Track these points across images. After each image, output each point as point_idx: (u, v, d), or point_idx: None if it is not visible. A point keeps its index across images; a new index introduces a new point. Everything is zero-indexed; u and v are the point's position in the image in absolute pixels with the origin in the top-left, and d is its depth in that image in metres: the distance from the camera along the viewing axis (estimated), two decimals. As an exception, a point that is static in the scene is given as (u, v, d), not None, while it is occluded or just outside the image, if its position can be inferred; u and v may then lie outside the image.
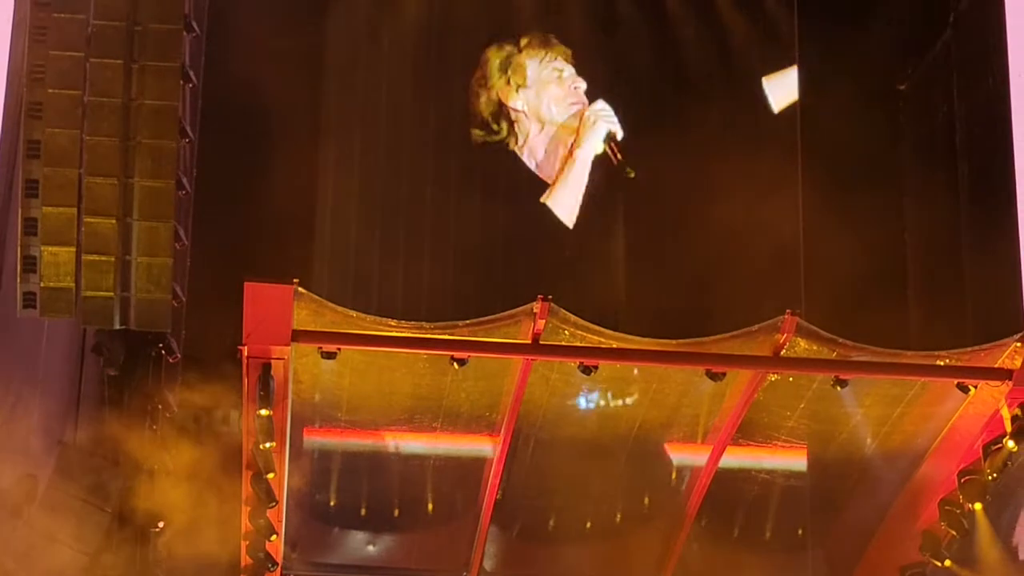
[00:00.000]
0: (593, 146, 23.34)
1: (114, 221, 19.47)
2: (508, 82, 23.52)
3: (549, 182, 23.48)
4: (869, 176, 23.09)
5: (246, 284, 16.49)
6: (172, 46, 19.85)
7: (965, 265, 22.87)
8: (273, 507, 17.77)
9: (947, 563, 18.81)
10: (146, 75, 19.71)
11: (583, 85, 23.54)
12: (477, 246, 22.92)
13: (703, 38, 23.87)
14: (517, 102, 23.54)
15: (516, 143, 23.54)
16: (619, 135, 23.27)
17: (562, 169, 23.42)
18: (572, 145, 23.40)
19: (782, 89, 23.79)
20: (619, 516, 19.73)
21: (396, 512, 19.78)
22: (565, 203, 23.36)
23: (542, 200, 23.28)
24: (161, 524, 19.65)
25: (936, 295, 23.10)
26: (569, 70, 23.58)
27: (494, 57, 23.61)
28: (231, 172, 21.88)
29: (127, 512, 19.54)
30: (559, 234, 23.28)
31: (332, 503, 19.72)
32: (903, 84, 24.36)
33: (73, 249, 19.41)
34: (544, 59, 23.58)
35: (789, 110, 23.76)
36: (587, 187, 23.37)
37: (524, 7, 23.76)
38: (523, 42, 23.67)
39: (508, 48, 23.61)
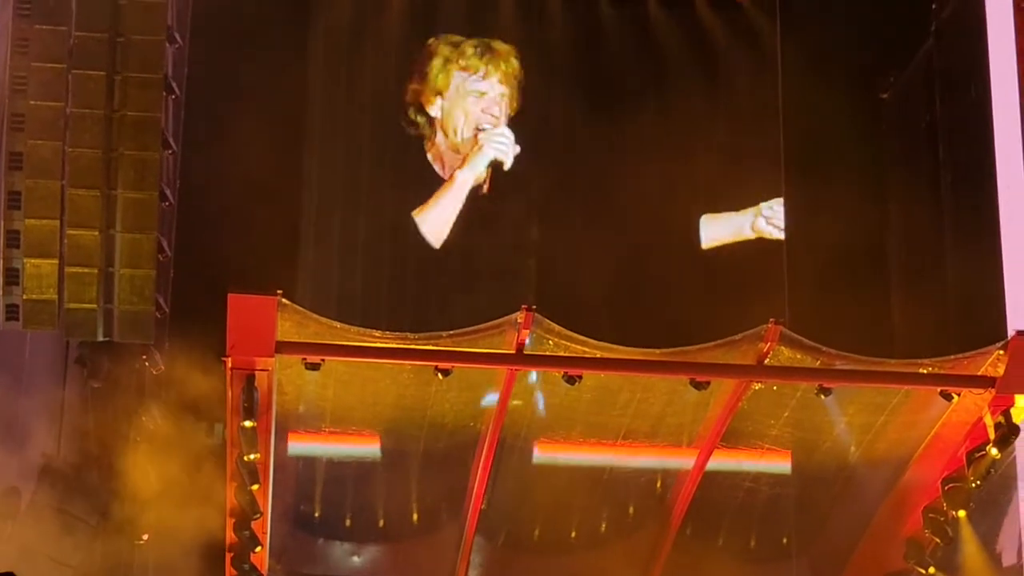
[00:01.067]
0: (475, 171, 23.13)
1: (97, 233, 19.47)
2: (433, 87, 23.40)
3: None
4: (852, 184, 23.11)
5: (230, 295, 16.46)
6: (154, 58, 19.86)
7: (948, 272, 22.91)
8: (258, 518, 17.74)
9: (931, 570, 18.82)
10: (129, 87, 19.72)
11: (498, 113, 23.25)
12: (461, 257, 22.93)
13: (686, 48, 23.91)
14: (433, 108, 23.42)
15: (430, 143, 23.43)
16: (507, 165, 23.08)
17: (441, 189, 23.19)
18: (457, 166, 23.27)
19: (715, 230, 23.72)
20: (604, 526, 19.72)
21: (381, 522, 19.75)
22: (434, 223, 23.05)
23: (413, 214, 23.03)
24: (145, 536, 19.60)
25: (919, 302, 23.12)
26: (495, 91, 23.39)
27: (438, 55, 23.47)
28: (215, 184, 21.85)
29: (111, 524, 19.49)
30: (541, 247, 23.30)
31: (317, 514, 19.69)
32: (886, 93, 24.40)
33: (56, 261, 19.40)
34: (475, 75, 23.37)
35: (772, 120, 23.79)
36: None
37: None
38: (468, 49, 23.50)
39: (447, 51, 23.46)
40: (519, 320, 16.73)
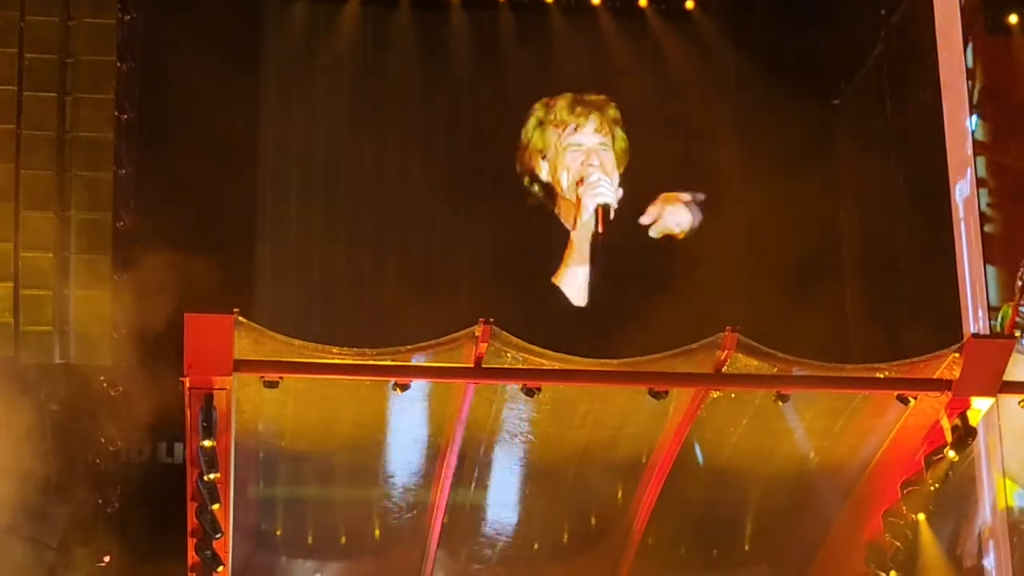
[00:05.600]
0: (588, 227, 23.51)
1: (51, 255, 19.42)
2: (534, 150, 23.67)
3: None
4: (805, 191, 23.21)
5: (186, 315, 16.38)
6: (105, 78, 19.87)
7: (904, 275, 23.04)
8: (219, 538, 17.66)
9: (892, 574, 18.89)
10: (80, 107, 19.73)
11: (597, 162, 23.52)
12: (419, 271, 22.97)
13: (637, 58, 24.01)
14: (540, 171, 23.63)
15: (554, 206, 23.67)
16: (613, 205, 23.38)
17: (567, 252, 23.51)
18: (571, 228, 23.56)
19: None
20: (566, 537, 19.73)
21: (343, 539, 19.71)
22: (573, 286, 23.48)
23: (553, 280, 23.45)
24: (107, 559, 19.53)
25: (875, 305, 23.24)
26: (591, 142, 23.54)
27: (532, 116, 23.69)
28: (169, 203, 21.80)
29: (72, 548, 19.40)
30: (503, 259, 23.39)
31: (278, 532, 19.64)
32: (837, 99, 24.53)
33: (11, 284, 19.36)
34: (567, 130, 23.61)
35: (725, 127, 23.90)
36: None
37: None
38: (559, 102, 23.64)
39: (541, 112, 23.68)
40: (477, 333, 16.72)
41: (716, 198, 23.81)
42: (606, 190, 23.37)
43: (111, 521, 19.90)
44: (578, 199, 23.46)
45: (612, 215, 23.32)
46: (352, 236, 22.98)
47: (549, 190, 23.68)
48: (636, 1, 24.34)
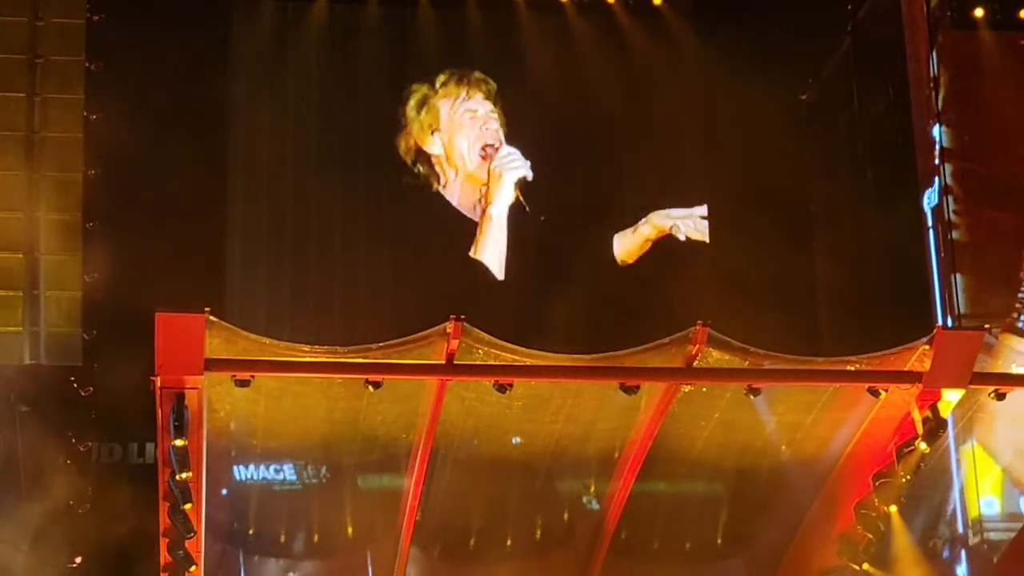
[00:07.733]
0: (505, 200, 23.50)
1: (21, 256, 19.36)
2: (423, 126, 23.63)
3: (469, 215, 23.60)
4: (775, 186, 23.25)
5: (157, 314, 16.33)
6: (74, 78, 19.78)
7: (875, 269, 23.12)
8: (191, 538, 17.63)
9: (865, 566, 18.96)
10: (49, 108, 19.65)
11: (495, 125, 23.61)
12: (387, 271, 22.97)
13: (607, 53, 24.03)
14: (432, 145, 23.64)
15: (438, 184, 23.64)
16: (529, 177, 23.37)
17: (482, 226, 23.51)
18: (485, 202, 23.50)
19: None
20: (539, 533, 19.76)
21: (316, 537, 19.71)
22: (492, 258, 23.49)
23: (471, 255, 23.43)
24: (78, 559, 19.47)
25: (846, 302, 23.29)
26: (484, 108, 23.64)
27: (414, 96, 23.70)
28: (141, 204, 21.73)
29: (43, 549, 19.34)
30: (468, 260, 23.44)
31: (251, 531, 19.62)
32: (805, 94, 24.60)
33: (-20, 285, 19.29)
34: (458, 99, 23.64)
35: (696, 128, 23.97)
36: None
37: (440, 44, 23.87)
38: (440, 79, 23.74)
39: (424, 89, 23.69)
40: (448, 330, 16.73)
41: (686, 195, 23.86)
42: (520, 162, 23.47)
43: (82, 522, 19.81)
44: (490, 173, 23.54)
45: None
46: (321, 234, 22.96)
47: (433, 165, 23.72)
48: (604, -3, 24.39)
